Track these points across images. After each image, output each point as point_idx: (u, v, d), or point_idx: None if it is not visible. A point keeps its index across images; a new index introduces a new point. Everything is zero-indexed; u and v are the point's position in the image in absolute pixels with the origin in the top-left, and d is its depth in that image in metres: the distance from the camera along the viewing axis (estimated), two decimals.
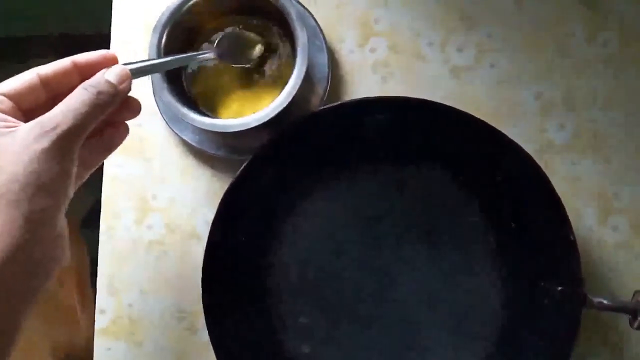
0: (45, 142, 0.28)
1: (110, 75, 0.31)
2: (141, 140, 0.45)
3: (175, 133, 0.44)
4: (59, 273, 0.77)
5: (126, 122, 0.36)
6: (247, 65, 0.42)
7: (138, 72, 0.34)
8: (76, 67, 0.32)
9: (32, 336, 0.71)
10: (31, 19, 0.92)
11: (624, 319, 0.38)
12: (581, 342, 0.41)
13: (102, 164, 0.43)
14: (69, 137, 0.29)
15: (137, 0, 0.46)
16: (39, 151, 0.28)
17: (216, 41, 0.41)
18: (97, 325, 0.43)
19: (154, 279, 0.43)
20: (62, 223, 0.31)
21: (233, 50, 0.41)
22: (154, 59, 0.35)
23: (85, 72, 0.32)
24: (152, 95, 0.44)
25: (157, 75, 0.40)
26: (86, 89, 0.30)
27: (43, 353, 0.67)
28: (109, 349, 0.43)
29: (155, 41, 0.40)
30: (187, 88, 0.43)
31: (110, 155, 0.38)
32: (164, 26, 0.40)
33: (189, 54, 0.39)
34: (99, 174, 0.44)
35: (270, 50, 0.43)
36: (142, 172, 0.44)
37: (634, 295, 0.37)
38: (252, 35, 0.42)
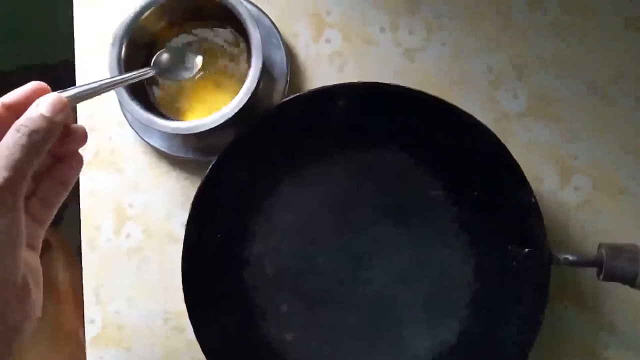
0: None
1: (43, 107, 0.29)
2: (112, 152, 0.46)
3: (145, 141, 0.45)
4: (58, 298, 0.78)
5: (79, 151, 0.33)
6: (190, 76, 0.42)
7: (75, 99, 0.31)
8: (8, 109, 0.30)
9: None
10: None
11: (594, 276, 0.39)
12: (554, 303, 0.42)
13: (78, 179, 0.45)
14: (9, 189, 0.27)
15: (98, 16, 0.47)
16: None
17: (153, 59, 0.42)
18: (88, 335, 0.44)
19: (137, 285, 0.45)
20: (28, 269, 0.30)
21: (171, 67, 0.42)
22: (90, 83, 0.34)
23: (20, 111, 0.29)
24: (119, 107, 0.46)
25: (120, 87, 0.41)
26: (18, 130, 0.28)
27: None
28: (101, 357, 0.44)
29: (115, 54, 0.41)
30: (151, 96, 0.45)
31: (84, 170, 0.39)
32: (121, 40, 0.41)
33: (127, 75, 0.39)
34: None
35: (225, 55, 0.44)
36: (116, 183, 0.46)
37: (598, 248, 0.39)
38: (189, 49, 0.43)
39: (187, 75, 0.42)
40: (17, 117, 0.29)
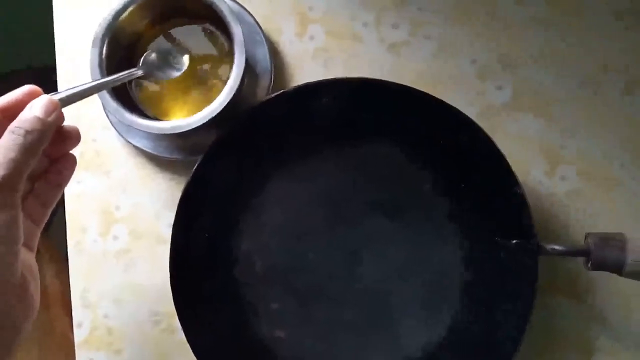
0: None
1: (36, 109, 0.30)
2: (98, 154, 0.46)
3: (130, 143, 0.45)
4: (47, 303, 0.78)
5: (71, 152, 0.35)
6: (178, 74, 0.43)
7: (66, 101, 0.33)
8: (2, 112, 0.31)
9: None
10: None
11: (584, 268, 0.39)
12: (546, 296, 0.42)
13: None
14: (7, 186, 0.28)
15: (78, 17, 0.47)
16: None
17: (141, 60, 0.42)
18: (76, 339, 0.44)
19: (126, 287, 0.44)
20: (25, 267, 0.31)
21: (159, 65, 0.42)
22: (80, 85, 0.34)
23: (13, 114, 0.31)
24: (103, 110, 0.45)
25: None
26: (13, 132, 0.29)
27: None
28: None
29: (96, 55, 0.41)
30: (134, 97, 0.44)
31: None
32: (102, 39, 0.41)
33: (115, 76, 0.39)
34: None
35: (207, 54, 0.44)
36: (102, 185, 0.45)
37: (586, 237, 0.39)
38: (175, 49, 0.43)
39: (174, 74, 0.42)
40: (11, 119, 0.30)
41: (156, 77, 0.42)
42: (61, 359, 0.76)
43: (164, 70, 0.42)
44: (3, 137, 0.29)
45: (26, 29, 0.90)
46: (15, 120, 0.30)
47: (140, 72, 0.41)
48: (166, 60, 0.43)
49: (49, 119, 0.30)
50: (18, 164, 0.29)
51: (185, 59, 0.43)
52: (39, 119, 0.30)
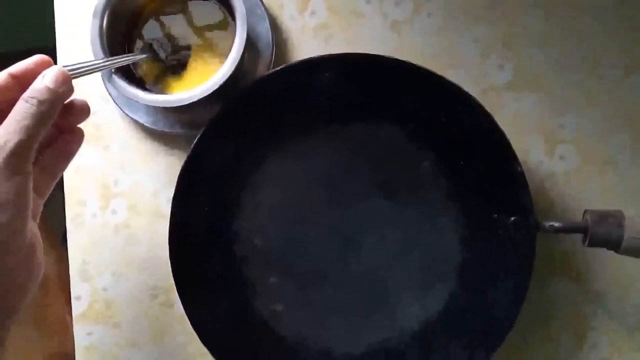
0: None
1: (48, 79, 0.31)
2: (97, 127, 0.45)
3: (130, 117, 0.44)
4: (46, 287, 0.77)
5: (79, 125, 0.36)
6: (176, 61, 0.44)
7: (75, 74, 0.33)
8: (14, 78, 0.32)
9: (25, 347, 0.71)
10: None
11: (582, 247, 0.40)
12: (542, 275, 0.43)
13: None
14: (19, 153, 0.29)
15: None
16: None
17: (140, 48, 0.44)
18: (75, 312, 0.44)
19: (125, 261, 0.44)
20: (32, 234, 0.32)
21: (159, 57, 0.43)
22: (89, 61, 0.35)
23: (24, 82, 0.32)
24: (103, 83, 0.45)
25: None
26: (27, 101, 0.30)
27: None
28: (89, 333, 0.44)
29: (97, 26, 0.41)
30: (134, 71, 0.44)
31: None
32: (103, 11, 0.41)
33: (122, 58, 0.40)
34: None
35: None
36: (101, 159, 0.45)
37: (584, 214, 0.39)
38: (172, 47, 0.44)
39: (174, 60, 0.44)
40: (22, 87, 0.31)
41: (159, 62, 0.44)
42: (56, 342, 0.76)
43: (165, 59, 0.44)
44: (17, 105, 0.30)
45: (22, 11, 0.90)
46: (28, 90, 0.31)
47: (145, 57, 0.42)
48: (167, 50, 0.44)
49: (60, 89, 0.31)
50: (31, 132, 0.30)
51: (183, 51, 0.44)
52: (50, 89, 0.31)
